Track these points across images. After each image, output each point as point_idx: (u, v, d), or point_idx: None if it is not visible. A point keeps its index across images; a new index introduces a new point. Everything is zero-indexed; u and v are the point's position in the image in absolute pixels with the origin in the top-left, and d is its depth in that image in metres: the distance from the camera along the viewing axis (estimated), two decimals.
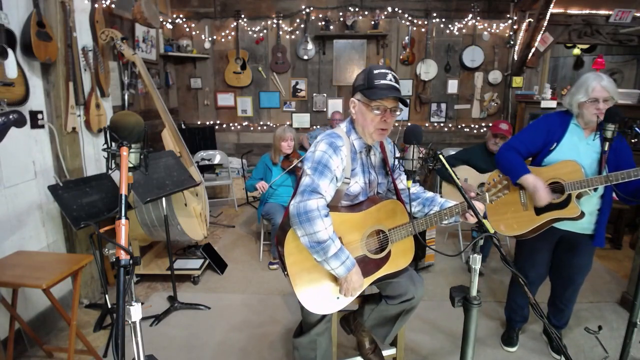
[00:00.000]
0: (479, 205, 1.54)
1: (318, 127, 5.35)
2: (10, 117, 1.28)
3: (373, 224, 1.59)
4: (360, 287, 1.55)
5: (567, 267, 2.12)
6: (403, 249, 1.66)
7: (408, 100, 5.28)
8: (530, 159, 2.13)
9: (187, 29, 5.12)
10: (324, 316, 1.73)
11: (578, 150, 1.94)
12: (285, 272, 1.55)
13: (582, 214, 1.91)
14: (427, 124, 5.40)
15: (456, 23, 5.06)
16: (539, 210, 2.00)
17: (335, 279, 1.56)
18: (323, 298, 1.55)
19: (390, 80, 1.49)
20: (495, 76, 5.20)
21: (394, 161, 1.75)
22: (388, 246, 1.61)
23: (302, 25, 5.09)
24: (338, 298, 1.56)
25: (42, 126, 2.47)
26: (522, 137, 2.09)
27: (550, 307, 2.30)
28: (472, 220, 1.52)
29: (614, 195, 1.94)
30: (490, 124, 4.16)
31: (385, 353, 1.99)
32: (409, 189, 1.56)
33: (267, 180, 3.39)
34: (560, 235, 2.07)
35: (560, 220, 1.97)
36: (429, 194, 1.75)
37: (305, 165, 1.51)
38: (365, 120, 1.53)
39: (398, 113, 1.54)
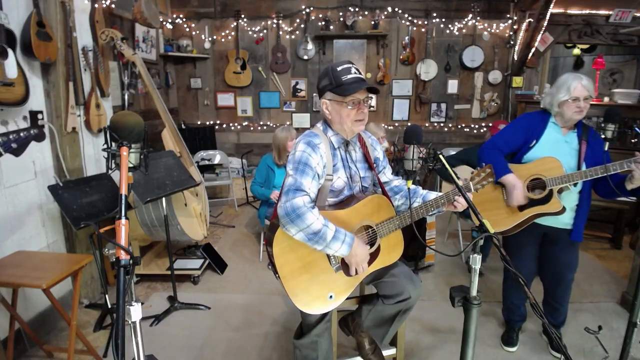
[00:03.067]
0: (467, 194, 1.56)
1: None
2: (32, 132, 1.31)
3: (361, 219, 1.60)
4: (367, 258, 1.56)
5: (554, 264, 2.17)
6: (392, 243, 1.68)
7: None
8: (511, 157, 2.18)
9: (187, 29, 5.12)
10: (323, 317, 1.73)
11: (556, 148, 2.01)
12: (276, 275, 1.55)
13: (564, 209, 1.97)
14: (427, 124, 5.40)
15: (456, 23, 5.06)
16: (522, 207, 2.06)
17: (326, 278, 1.56)
18: (316, 298, 1.54)
19: (355, 73, 1.53)
20: (495, 76, 5.20)
21: (380, 154, 1.80)
22: (377, 241, 1.62)
23: (302, 25, 5.09)
24: (331, 297, 1.56)
25: (42, 126, 2.47)
26: (504, 135, 2.16)
27: (545, 307, 2.31)
28: (460, 208, 1.58)
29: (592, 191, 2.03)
30: (490, 124, 4.16)
31: (385, 353, 1.99)
32: (409, 189, 1.57)
33: (270, 182, 3.37)
34: (543, 232, 2.13)
35: (542, 215, 2.02)
36: (411, 186, 1.77)
37: (288, 167, 1.55)
38: (341, 117, 1.56)
39: (371, 102, 1.58)
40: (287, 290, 1.52)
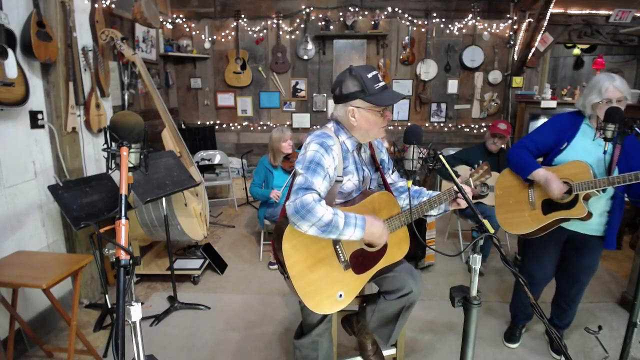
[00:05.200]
0: (466, 189, 1.56)
1: (318, 127, 5.34)
2: None
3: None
4: (385, 232, 1.55)
5: (573, 267, 2.12)
6: (398, 240, 1.69)
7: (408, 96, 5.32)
8: (542, 159, 2.13)
9: (187, 29, 5.12)
10: (324, 317, 1.73)
11: (588, 151, 1.93)
12: (285, 276, 1.54)
13: (589, 215, 1.90)
14: (427, 124, 5.40)
15: (456, 23, 5.06)
16: (546, 210, 2.01)
17: (336, 277, 1.56)
18: (326, 297, 1.54)
19: (381, 80, 1.54)
20: (495, 76, 5.21)
21: (385, 156, 1.82)
22: None
23: (302, 25, 5.09)
24: (340, 296, 1.56)
25: (42, 126, 2.47)
26: (533, 136, 2.12)
27: (553, 307, 2.30)
28: (463, 205, 1.58)
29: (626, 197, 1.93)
30: (490, 124, 4.17)
31: (385, 353, 1.99)
32: (409, 189, 1.58)
33: (269, 183, 3.37)
34: (568, 236, 2.07)
35: (567, 220, 1.97)
36: (416, 187, 1.80)
37: (297, 166, 1.51)
38: (370, 124, 1.56)
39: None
40: (298, 290, 1.50)
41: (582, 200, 1.90)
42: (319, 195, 1.45)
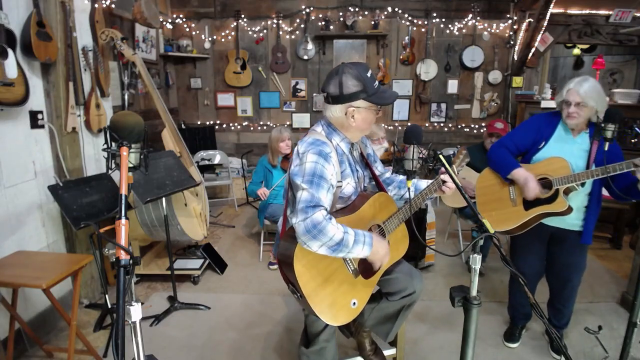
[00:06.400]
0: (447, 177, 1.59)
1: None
2: None
3: (369, 221, 1.60)
4: (388, 252, 1.53)
5: (560, 266, 2.15)
6: (399, 238, 1.72)
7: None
8: (520, 157, 2.18)
9: (187, 29, 5.12)
10: None
11: (566, 149, 1.99)
12: (298, 295, 1.48)
13: (570, 209, 1.95)
14: (427, 124, 5.39)
15: (456, 23, 5.06)
16: (528, 206, 2.05)
17: (348, 286, 1.54)
18: (341, 308, 1.52)
19: (375, 78, 1.54)
20: (495, 76, 5.21)
21: (370, 150, 1.84)
22: (386, 237, 1.63)
23: (302, 25, 5.09)
24: (354, 304, 1.54)
25: (42, 126, 2.48)
26: (513, 135, 2.17)
27: (549, 308, 2.30)
28: (448, 192, 1.60)
29: (605, 193, 1.98)
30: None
31: (385, 353, 1.99)
32: (409, 189, 1.58)
33: (269, 182, 3.37)
34: (550, 232, 2.11)
35: (548, 215, 2.01)
36: (401, 176, 1.84)
37: (297, 179, 1.43)
38: (367, 123, 1.55)
39: None
40: (314, 307, 1.45)
41: (563, 194, 1.94)
42: (327, 210, 1.41)
